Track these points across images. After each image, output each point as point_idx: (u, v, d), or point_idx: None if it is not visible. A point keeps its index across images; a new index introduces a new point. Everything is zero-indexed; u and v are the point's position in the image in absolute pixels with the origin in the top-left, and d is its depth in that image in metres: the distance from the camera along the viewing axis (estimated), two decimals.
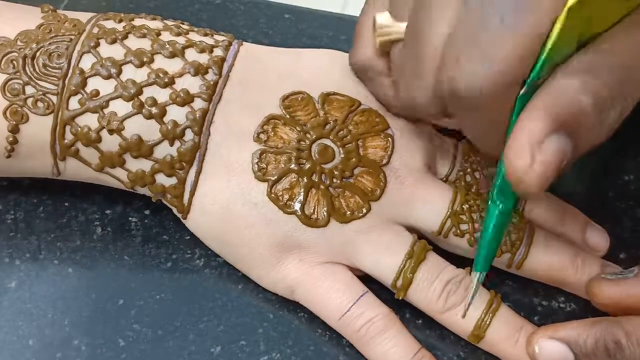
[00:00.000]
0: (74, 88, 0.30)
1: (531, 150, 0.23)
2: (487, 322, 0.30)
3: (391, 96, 0.32)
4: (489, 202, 0.27)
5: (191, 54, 0.32)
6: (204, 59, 0.32)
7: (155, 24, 0.32)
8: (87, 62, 0.30)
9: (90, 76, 0.30)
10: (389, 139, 0.32)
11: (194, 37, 0.32)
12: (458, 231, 0.32)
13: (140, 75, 0.30)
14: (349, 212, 0.31)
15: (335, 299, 0.31)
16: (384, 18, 0.30)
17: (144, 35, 0.31)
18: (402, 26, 0.29)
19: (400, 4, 0.29)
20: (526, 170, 0.23)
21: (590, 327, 0.29)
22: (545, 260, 0.32)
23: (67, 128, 0.30)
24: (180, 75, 0.31)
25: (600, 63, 0.24)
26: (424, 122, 0.34)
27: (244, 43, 0.34)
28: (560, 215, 0.34)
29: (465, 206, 0.32)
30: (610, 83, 0.24)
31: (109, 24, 0.32)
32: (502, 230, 0.29)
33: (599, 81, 0.24)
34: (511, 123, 0.25)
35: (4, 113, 0.30)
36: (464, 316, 0.30)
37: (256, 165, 0.31)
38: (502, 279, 0.33)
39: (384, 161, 0.32)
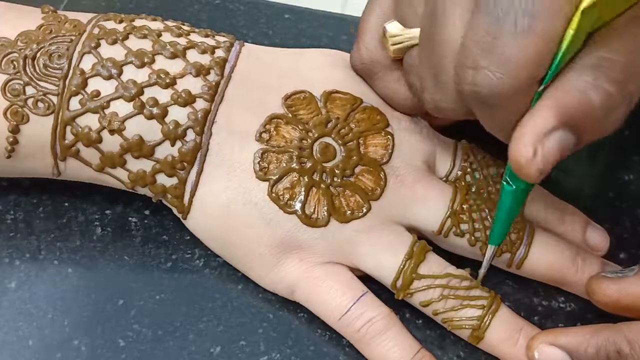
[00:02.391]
0: (74, 88, 0.30)
1: (534, 144, 0.25)
2: (487, 323, 0.30)
3: (400, 92, 0.32)
4: (503, 183, 0.29)
5: (193, 55, 0.32)
6: (205, 59, 0.32)
7: (156, 25, 0.32)
8: (87, 63, 0.30)
9: (90, 76, 0.30)
10: (390, 137, 0.32)
11: (195, 38, 0.32)
12: (458, 231, 0.32)
13: (141, 75, 0.30)
14: (349, 212, 0.31)
15: (335, 299, 0.31)
16: (394, 27, 0.30)
17: (144, 36, 0.31)
18: (413, 32, 0.30)
19: (409, 12, 0.30)
20: (527, 160, 0.25)
21: (592, 335, 0.29)
22: (545, 260, 0.32)
23: (68, 128, 0.30)
24: (182, 76, 0.31)
25: (610, 60, 0.25)
26: (423, 121, 0.34)
27: (245, 44, 0.34)
28: (560, 215, 0.34)
29: (465, 206, 0.32)
30: (620, 79, 0.25)
31: (110, 25, 0.32)
32: (516, 208, 0.29)
33: (609, 78, 0.25)
34: None
35: (5, 113, 0.30)
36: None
37: (258, 165, 0.31)
38: (502, 279, 0.33)
39: (385, 160, 0.32)
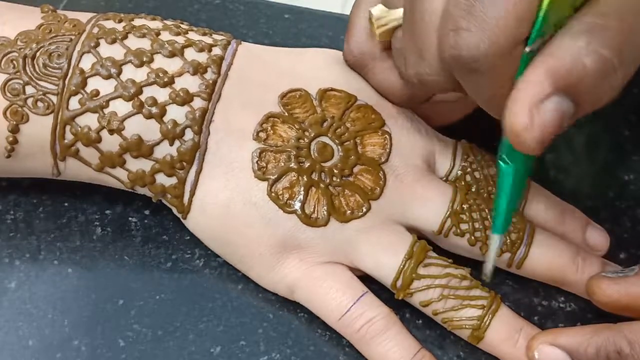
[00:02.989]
0: (74, 88, 0.30)
1: (530, 111, 0.24)
2: (487, 323, 0.30)
3: (392, 81, 0.32)
4: (499, 162, 0.27)
5: (190, 53, 0.32)
6: (202, 58, 0.32)
7: (155, 24, 0.32)
8: (87, 62, 0.30)
9: (90, 76, 0.30)
10: (387, 136, 0.32)
11: (193, 36, 0.32)
12: (458, 230, 0.32)
13: (140, 75, 0.30)
14: (349, 211, 0.31)
15: (335, 299, 0.31)
16: (378, 10, 0.30)
17: (143, 35, 0.31)
18: (397, 12, 0.30)
19: None
20: (524, 130, 0.24)
21: (592, 335, 0.29)
22: (545, 260, 0.32)
23: (67, 128, 0.30)
24: (180, 74, 0.31)
25: (603, 25, 0.24)
26: (422, 120, 0.34)
27: (242, 42, 0.34)
28: (560, 215, 0.34)
29: (465, 205, 0.32)
30: (614, 45, 0.24)
31: (109, 24, 0.32)
32: (516, 190, 0.28)
33: (603, 42, 0.24)
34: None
35: (4, 113, 0.30)
36: (488, 279, 0.30)
37: (256, 164, 0.31)
38: (502, 279, 0.33)
39: (383, 159, 0.32)
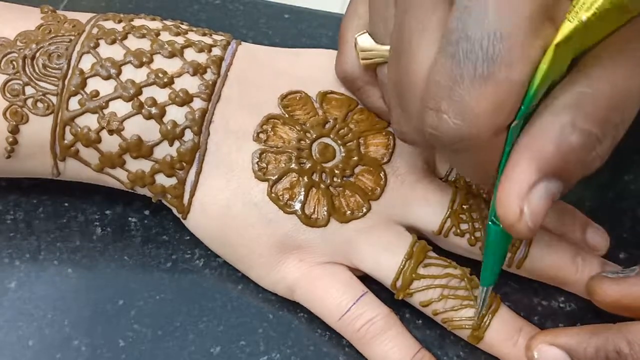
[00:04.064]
0: (73, 88, 0.30)
1: (519, 203, 0.23)
2: (487, 323, 0.30)
3: (381, 106, 0.32)
4: (489, 222, 0.27)
5: (190, 54, 0.32)
6: (202, 58, 0.32)
7: (155, 24, 0.32)
8: (86, 63, 0.30)
9: (90, 77, 0.30)
10: (391, 136, 0.32)
11: (193, 36, 0.32)
12: (458, 231, 0.32)
13: (139, 75, 0.31)
14: (349, 212, 0.31)
15: (335, 299, 0.31)
16: (365, 41, 0.29)
17: (143, 36, 0.31)
18: (383, 50, 0.28)
19: (380, 27, 0.29)
20: (516, 220, 0.24)
21: (592, 335, 0.28)
22: (545, 259, 0.32)
23: (67, 128, 0.30)
24: (179, 75, 0.31)
25: (590, 95, 0.23)
26: None
27: (242, 42, 0.34)
28: (560, 215, 0.34)
29: (465, 206, 0.32)
30: (601, 115, 0.23)
31: (109, 25, 0.32)
32: (504, 246, 0.28)
33: (589, 116, 0.23)
34: (504, 154, 0.24)
35: (4, 114, 0.30)
36: (477, 329, 0.30)
37: (256, 165, 0.31)
38: (502, 279, 0.33)
39: (385, 159, 0.32)
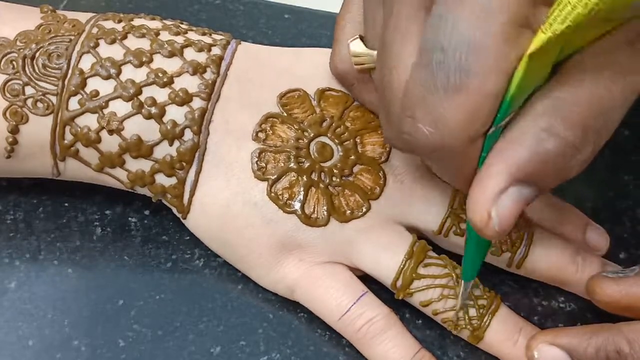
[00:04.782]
0: (73, 88, 0.30)
1: (487, 207, 0.23)
2: (487, 323, 0.30)
3: (374, 101, 0.32)
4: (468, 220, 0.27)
5: (189, 53, 0.32)
6: (202, 57, 0.32)
7: (154, 24, 0.32)
8: (86, 63, 0.30)
9: (89, 76, 0.30)
10: None
11: (193, 36, 0.32)
12: (458, 230, 0.32)
13: (139, 75, 0.31)
14: (349, 211, 0.31)
15: (335, 299, 0.31)
16: (357, 46, 0.29)
17: (143, 35, 0.31)
18: (374, 54, 0.28)
19: (371, 34, 0.29)
20: (483, 224, 0.24)
21: (592, 335, 0.28)
22: (545, 259, 0.32)
23: (67, 128, 0.30)
24: (179, 74, 0.31)
25: (568, 100, 0.23)
26: None
27: (242, 42, 0.34)
28: (560, 215, 0.34)
29: (465, 205, 0.32)
30: (580, 122, 0.23)
31: (108, 24, 0.32)
32: (485, 244, 0.28)
33: (566, 123, 0.23)
34: (481, 160, 0.24)
35: (4, 114, 0.30)
36: (456, 323, 0.30)
37: (256, 165, 0.31)
38: (502, 279, 0.33)
39: (383, 158, 0.32)
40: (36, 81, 0.30)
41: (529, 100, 0.24)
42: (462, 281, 0.30)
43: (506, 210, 0.24)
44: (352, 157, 0.32)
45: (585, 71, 0.23)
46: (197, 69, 0.31)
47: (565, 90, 0.23)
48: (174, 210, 0.32)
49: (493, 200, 0.23)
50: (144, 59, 0.31)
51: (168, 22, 0.33)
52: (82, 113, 0.30)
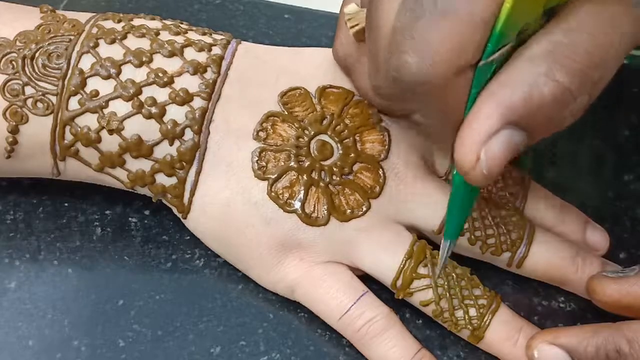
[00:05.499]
0: (73, 88, 0.30)
1: (477, 149, 0.23)
2: (487, 323, 0.30)
3: (367, 88, 0.31)
4: (454, 173, 0.27)
5: (190, 53, 0.32)
6: (202, 57, 0.32)
7: (154, 24, 0.32)
8: (86, 63, 0.30)
9: (89, 76, 0.30)
10: (386, 133, 0.32)
11: (193, 36, 0.32)
12: None
13: (139, 75, 0.31)
14: (349, 211, 0.31)
15: (336, 299, 0.31)
16: (350, 8, 0.29)
17: (143, 35, 0.31)
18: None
19: None
20: (471, 166, 0.23)
21: (592, 334, 0.28)
22: (545, 259, 0.32)
23: (67, 128, 0.30)
24: (179, 74, 0.31)
25: (569, 46, 0.23)
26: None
27: (242, 42, 0.34)
28: (560, 215, 0.34)
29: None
30: (578, 69, 0.23)
31: (108, 24, 0.32)
32: (469, 199, 0.28)
33: (565, 68, 0.22)
34: (470, 99, 0.24)
35: (4, 114, 0.30)
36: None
37: (256, 164, 0.31)
38: (502, 279, 0.33)
39: (382, 156, 0.32)
40: (36, 81, 0.30)
41: (526, 44, 0.23)
42: (443, 241, 0.29)
43: (495, 154, 0.23)
44: (352, 154, 0.32)
45: (583, 17, 0.23)
46: (198, 69, 0.31)
47: (563, 35, 0.23)
48: (174, 210, 0.32)
49: (483, 142, 0.23)
50: (144, 59, 0.31)
51: (168, 22, 0.33)
52: (82, 113, 0.30)
